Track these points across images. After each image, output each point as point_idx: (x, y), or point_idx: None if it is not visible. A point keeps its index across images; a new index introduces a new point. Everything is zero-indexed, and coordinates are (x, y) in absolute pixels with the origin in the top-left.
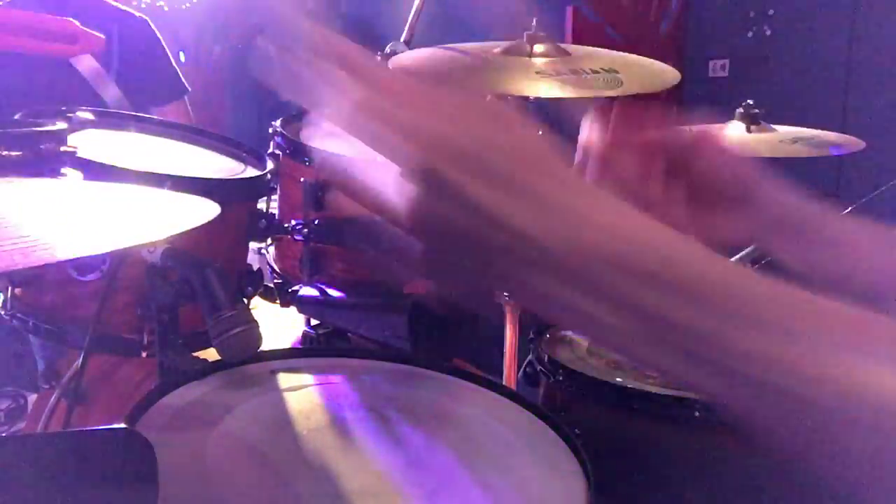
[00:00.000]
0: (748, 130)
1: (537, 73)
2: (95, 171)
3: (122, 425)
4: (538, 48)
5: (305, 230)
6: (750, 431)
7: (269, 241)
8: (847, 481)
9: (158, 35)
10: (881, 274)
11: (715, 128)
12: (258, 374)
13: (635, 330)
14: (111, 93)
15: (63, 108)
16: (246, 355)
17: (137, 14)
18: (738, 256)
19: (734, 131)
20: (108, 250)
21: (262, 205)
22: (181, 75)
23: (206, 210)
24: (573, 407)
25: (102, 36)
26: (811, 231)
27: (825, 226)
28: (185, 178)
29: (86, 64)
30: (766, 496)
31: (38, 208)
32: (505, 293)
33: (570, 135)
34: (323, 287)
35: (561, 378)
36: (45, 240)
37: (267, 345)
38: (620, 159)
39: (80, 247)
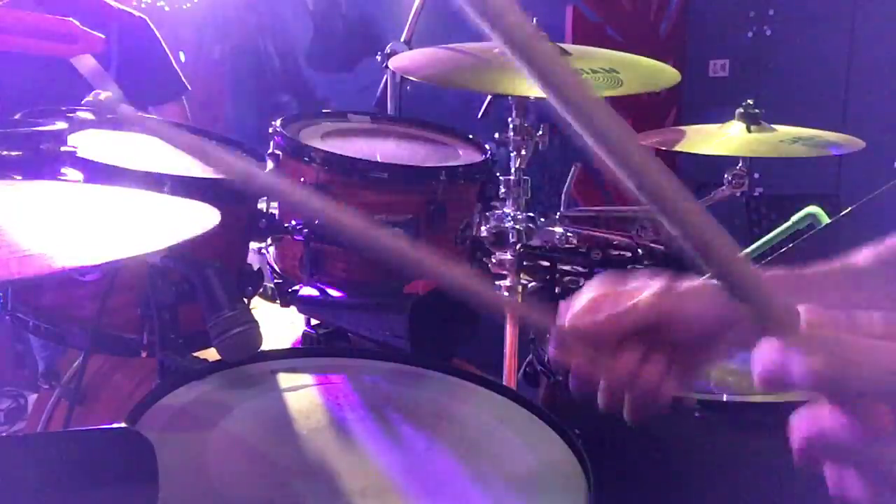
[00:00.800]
0: (748, 130)
1: None
2: (95, 171)
3: (122, 425)
4: None
5: (305, 230)
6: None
7: (269, 241)
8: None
9: (158, 34)
10: None
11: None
12: (258, 374)
13: None
14: (111, 92)
15: (63, 108)
16: (246, 355)
17: (137, 14)
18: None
19: (734, 131)
20: (108, 261)
21: (262, 205)
22: (181, 74)
23: (206, 216)
24: (573, 407)
25: (102, 36)
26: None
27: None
28: (185, 178)
29: (86, 63)
30: (766, 495)
31: (37, 214)
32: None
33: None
34: (323, 287)
35: (561, 378)
36: (43, 249)
37: (267, 345)
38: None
39: (79, 257)
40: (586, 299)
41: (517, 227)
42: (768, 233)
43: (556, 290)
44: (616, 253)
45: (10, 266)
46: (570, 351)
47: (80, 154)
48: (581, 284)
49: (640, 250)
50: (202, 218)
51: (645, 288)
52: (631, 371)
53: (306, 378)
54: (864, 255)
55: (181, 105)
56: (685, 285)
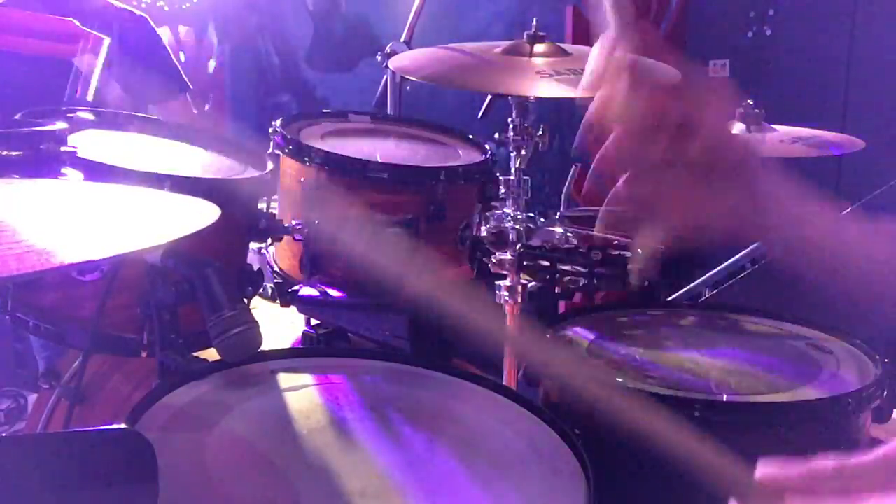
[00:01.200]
0: (748, 130)
1: (537, 73)
2: (95, 171)
3: (122, 425)
4: (538, 48)
5: (305, 230)
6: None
7: (269, 241)
8: None
9: (159, 33)
10: (876, 266)
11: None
12: (258, 374)
13: None
14: (112, 92)
15: (63, 108)
16: (246, 355)
17: (138, 13)
18: (740, 255)
19: (734, 131)
20: (107, 257)
21: (262, 205)
22: (182, 72)
23: (206, 213)
24: (573, 407)
25: (103, 36)
26: (809, 226)
27: (823, 221)
28: (185, 178)
29: (87, 63)
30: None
31: (37, 211)
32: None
33: (570, 134)
34: (323, 287)
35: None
36: (42, 245)
37: (267, 345)
38: (641, 95)
39: (78, 253)
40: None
41: (517, 227)
42: None
43: (556, 290)
44: (616, 253)
45: (9, 263)
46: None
47: (80, 154)
48: (581, 284)
49: (640, 250)
50: (202, 215)
51: None
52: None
53: (306, 378)
54: None
55: (185, 103)
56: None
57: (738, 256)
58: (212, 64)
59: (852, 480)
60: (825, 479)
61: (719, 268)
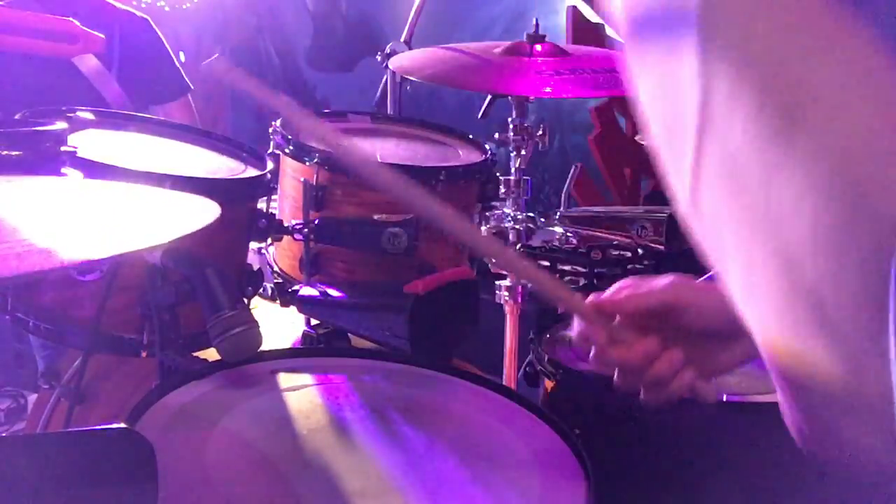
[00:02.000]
0: None
1: (537, 73)
2: (95, 171)
3: (122, 425)
4: (538, 48)
5: (305, 230)
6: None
7: (269, 241)
8: None
9: (160, 34)
10: None
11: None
12: (258, 374)
13: None
14: (113, 92)
15: (63, 108)
16: (246, 355)
17: (139, 14)
18: None
19: None
20: (107, 256)
21: (262, 205)
22: (183, 73)
23: (206, 211)
24: (573, 407)
25: (103, 36)
26: None
27: None
28: (185, 178)
29: (88, 63)
30: (766, 494)
31: (37, 210)
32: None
33: (570, 134)
34: (323, 287)
35: (561, 378)
36: (42, 244)
37: (267, 345)
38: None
39: (78, 252)
40: (613, 288)
41: (517, 227)
42: None
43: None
44: (616, 253)
45: (9, 261)
46: (592, 329)
47: (80, 154)
48: (581, 284)
49: (640, 250)
50: (202, 214)
51: (662, 279)
52: (647, 353)
53: (306, 378)
54: None
55: (187, 104)
56: (703, 282)
57: None
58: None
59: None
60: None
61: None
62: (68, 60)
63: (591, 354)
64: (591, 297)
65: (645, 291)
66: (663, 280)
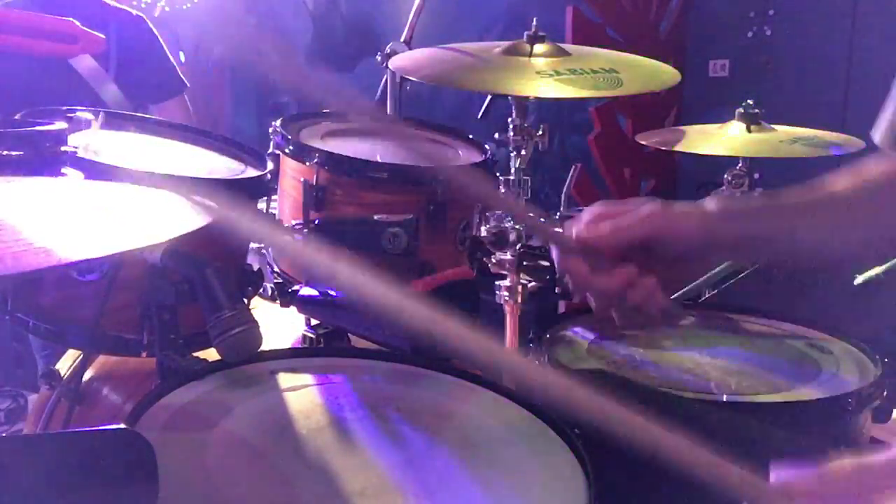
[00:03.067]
0: (748, 130)
1: (537, 73)
2: (96, 171)
3: (122, 425)
4: (538, 48)
5: (305, 230)
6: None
7: None
8: None
9: (156, 32)
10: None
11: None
12: (258, 374)
13: None
14: (110, 92)
15: (63, 108)
16: (246, 355)
17: (134, 12)
18: (712, 272)
19: (734, 131)
20: (106, 255)
21: (262, 205)
22: (179, 72)
23: (206, 211)
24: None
25: (102, 36)
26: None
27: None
28: (185, 178)
29: (85, 64)
30: None
31: (35, 209)
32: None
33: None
34: (323, 287)
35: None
36: (40, 243)
37: (267, 345)
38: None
39: (76, 251)
40: (589, 215)
41: (517, 227)
42: None
43: (556, 290)
44: None
45: (6, 261)
46: (572, 260)
47: (80, 154)
48: None
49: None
50: (201, 213)
51: (640, 209)
52: (626, 281)
53: (306, 378)
54: (842, 181)
55: (183, 103)
56: (677, 207)
57: (710, 273)
58: None
59: (863, 483)
60: (837, 482)
61: (719, 268)
62: (64, 60)
63: (571, 283)
64: (570, 228)
65: (626, 225)
66: (641, 210)
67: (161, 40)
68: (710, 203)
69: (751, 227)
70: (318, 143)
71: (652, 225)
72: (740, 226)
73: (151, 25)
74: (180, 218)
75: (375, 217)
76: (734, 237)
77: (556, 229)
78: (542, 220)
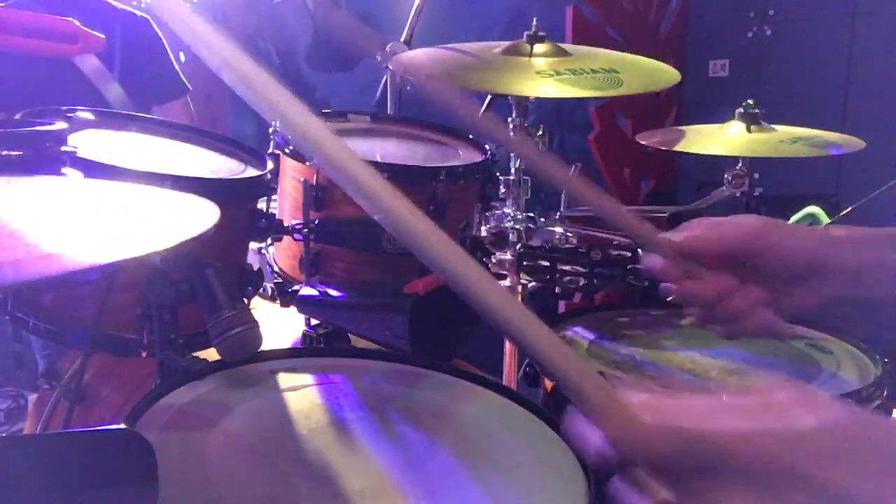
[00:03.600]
0: (748, 130)
1: (537, 73)
2: (96, 171)
3: (122, 425)
4: (538, 48)
5: (305, 230)
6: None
7: (269, 241)
8: None
9: (160, 34)
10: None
11: (772, 224)
12: (258, 374)
13: None
14: (114, 92)
15: (63, 108)
16: (246, 355)
17: (139, 14)
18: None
19: (734, 131)
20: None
21: (262, 205)
22: (181, 75)
23: (207, 213)
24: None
25: (103, 35)
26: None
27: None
28: (185, 178)
29: (89, 63)
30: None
31: (35, 213)
32: None
33: (570, 134)
34: (323, 287)
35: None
36: (39, 251)
37: (267, 345)
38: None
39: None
40: (694, 225)
41: (517, 227)
42: None
43: (556, 290)
44: (616, 253)
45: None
46: (671, 264)
47: (80, 154)
48: (581, 284)
49: (639, 250)
50: (203, 215)
51: (748, 220)
52: (724, 289)
53: (306, 378)
54: None
55: (186, 104)
56: (786, 224)
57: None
58: None
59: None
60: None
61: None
62: (69, 60)
63: (665, 285)
64: (668, 235)
65: (731, 233)
66: (749, 220)
67: (165, 43)
68: (822, 228)
69: (860, 253)
70: None
71: (757, 235)
72: (849, 249)
73: (156, 28)
74: (182, 221)
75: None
76: (840, 260)
77: (660, 234)
78: (640, 222)
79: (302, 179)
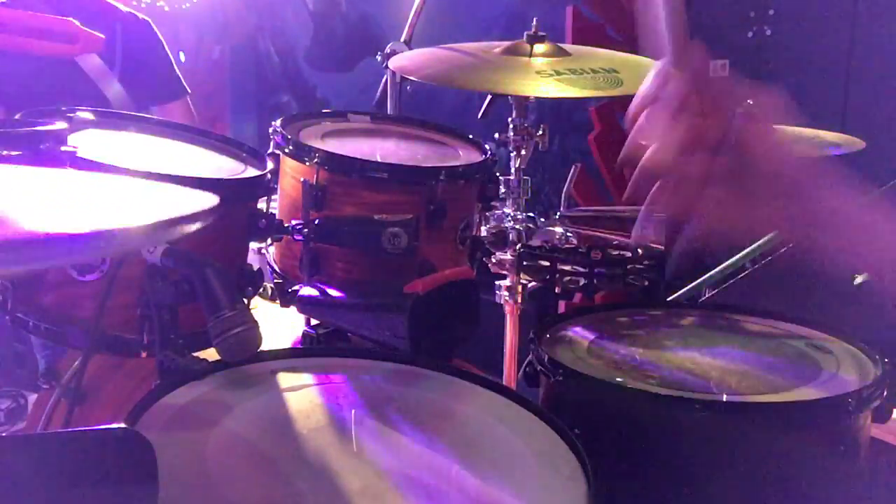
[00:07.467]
0: None
1: (537, 73)
2: (95, 171)
3: (122, 425)
4: (538, 48)
5: (305, 230)
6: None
7: (269, 241)
8: None
9: (160, 36)
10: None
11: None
12: (258, 374)
13: None
14: (115, 91)
15: (63, 108)
16: (246, 355)
17: (140, 15)
18: (740, 255)
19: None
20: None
21: (262, 205)
22: (181, 77)
23: (206, 201)
24: (573, 407)
25: (102, 35)
26: (847, 225)
27: (861, 219)
28: (185, 177)
29: (91, 62)
30: (766, 494)
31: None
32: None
33: (570, 134)
34: (323, 287)
35: (561, 378)
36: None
37: (267, 345)
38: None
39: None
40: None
41: (517, 227)
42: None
43: (556, 290)
44: (616, 253)
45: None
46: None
47: (80, 154)
48: (581, 284)
49: (640, 250)
50: (202, 203)
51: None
52: (701, 139)
53: (306, 378)
54: None
55: (186, 105)
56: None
57: (737, 256)
58: None
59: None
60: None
61: (719, 268)
62: (71, 60)
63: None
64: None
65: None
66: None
67: (165, 45)
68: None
69: (852, 211)
70: (317, 143)
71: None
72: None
73: (157, 30)
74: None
75: (375, 217)
76: (829, 208)
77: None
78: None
79: (302, 179)
